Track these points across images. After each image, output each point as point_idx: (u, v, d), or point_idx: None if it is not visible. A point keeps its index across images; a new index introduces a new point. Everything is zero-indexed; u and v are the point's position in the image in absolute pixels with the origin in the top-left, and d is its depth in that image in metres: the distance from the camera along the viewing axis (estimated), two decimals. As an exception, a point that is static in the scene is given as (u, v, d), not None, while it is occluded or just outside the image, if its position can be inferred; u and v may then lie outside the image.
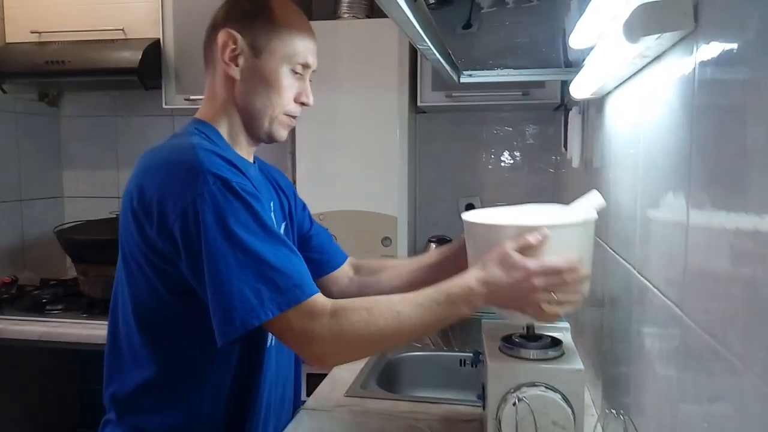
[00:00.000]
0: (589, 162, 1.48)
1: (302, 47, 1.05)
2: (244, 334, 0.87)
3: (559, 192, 2.32)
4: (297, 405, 1.25)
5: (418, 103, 2.17)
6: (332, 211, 2.21)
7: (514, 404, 0.96)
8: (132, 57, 2.10)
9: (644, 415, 0.86)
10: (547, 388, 0.98)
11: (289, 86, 1.05)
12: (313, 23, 2.15)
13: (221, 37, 1.02)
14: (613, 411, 0.84)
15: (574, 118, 1.63)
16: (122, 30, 2.21)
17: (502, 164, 2.44)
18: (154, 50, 2.19)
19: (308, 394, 1.41)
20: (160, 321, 0.99)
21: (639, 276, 0.90)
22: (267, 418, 1.10)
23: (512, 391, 0.98)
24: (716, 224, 0.58)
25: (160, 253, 0.93)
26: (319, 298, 0.92)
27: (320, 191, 2.22)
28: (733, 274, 0.54)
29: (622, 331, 1.03)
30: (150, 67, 2.16)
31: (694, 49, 0.66)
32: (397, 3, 0.68)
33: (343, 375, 1.48)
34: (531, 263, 0.91)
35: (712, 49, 0.60)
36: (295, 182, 2.30)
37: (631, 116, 0.99)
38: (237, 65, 1.03)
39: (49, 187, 2.62)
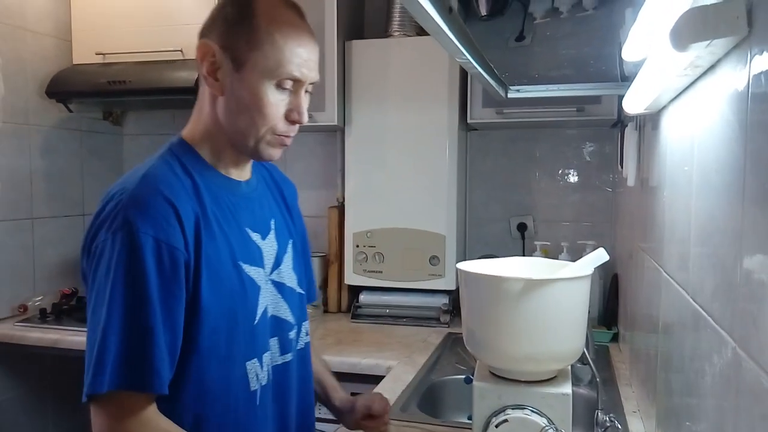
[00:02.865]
0: (645, 181, 1.41)
1: (289, 59, 0.91)
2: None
3: (616, 212, 2.23)
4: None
5: (468, 120, 2.13)
6: (380, 229, 2.20)
7: (498, 426, 0.93)
8: (188, 76, 2.15)
9: (698, 453, 0.80)
10: (532, 411, 0.94)
11: (274, 103, 0.92)
12: (364, 42, 2.21)
13: (199, 49, 0.94)
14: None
15: (630, 134, 1.56)
16: (180, 51, 2.28)
17: (557, 183, 2.37)
18: (210, 70, 2.24)
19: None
20: None
21: (693, 302, 0.84)
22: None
23: (497, 413, 0.95)
24: (771, 247, 0.53)
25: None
26: (150, 401, 0.86)
27: (369, 208, 2.22)
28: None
29: (676, 360, 0.96)
30: (206, 86, 2.22)
31: (748, 56, 0.60)
32: (428, 13, 0.66)
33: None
34: None
35: (767, 58, 0.55)
36: (344, 199, 2.30)
37: (686, 131, 0.94)
38: (217, 80, 0.93)
39: (110, 202, 2.72)
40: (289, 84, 0.93)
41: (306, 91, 0.97)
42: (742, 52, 0.63)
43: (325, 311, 2.39)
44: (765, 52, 0.55)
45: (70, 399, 2.45)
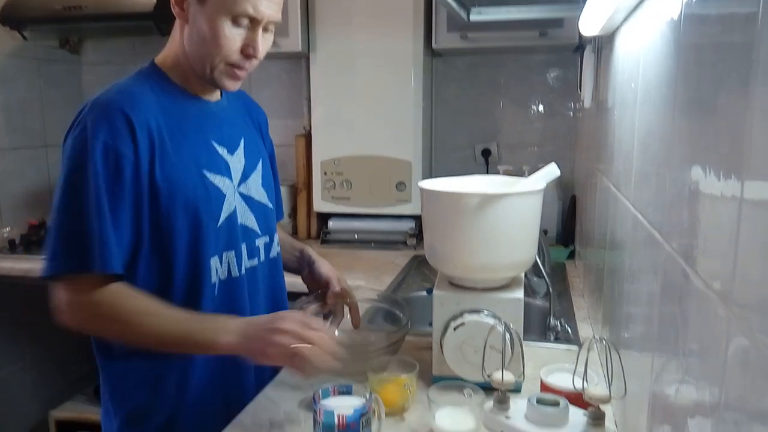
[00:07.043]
0: (602, 102, 1.46)
1: None
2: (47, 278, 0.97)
3: (576, 136, 2.30)
4: None
5: (433, 46, 2.14)
6: (347, 156, 2.23)
7: (456, 329, 1.02)
8: (147, 2, 2.09)
9: (631, 349, 0.88)
10: (487, 314, 1.02)
11: (230, 37, 1.00)
12: (328, -34, 2.15)
13: None
14: (597, 337, 0.86)
15: (587, 56, 1.60)
16: (138, -26, 2.21)
17: (520, 109, 2.41)
18: (169, -6, 2.18)
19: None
20: None
21: (632, 209, 0.91)
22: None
23: (455, 317, 1.03)
24: (693, 148, 0.58)
25: None
26: (102, 279, 0.97)
27: (335, 136, 2.24)
28: (701, 198, 0.54)
29: (618, 265, 1.04)
30: (166, 12, 2.13)
31: (684, -27, 0.64)
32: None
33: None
34: (294, 313, 1.01)
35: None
36: (310, 127, 2.31)
37: (634, 49, 0.98)
38: (183, 10, 1.02)
39: (73, 134, 2.68)
40: (245, 21, 1.00)
41: (265, 30, 1.03)
42: (679, -31, 0.66)
43: (295, 238, 2.43)
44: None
45: (46, 327, 2.47)
